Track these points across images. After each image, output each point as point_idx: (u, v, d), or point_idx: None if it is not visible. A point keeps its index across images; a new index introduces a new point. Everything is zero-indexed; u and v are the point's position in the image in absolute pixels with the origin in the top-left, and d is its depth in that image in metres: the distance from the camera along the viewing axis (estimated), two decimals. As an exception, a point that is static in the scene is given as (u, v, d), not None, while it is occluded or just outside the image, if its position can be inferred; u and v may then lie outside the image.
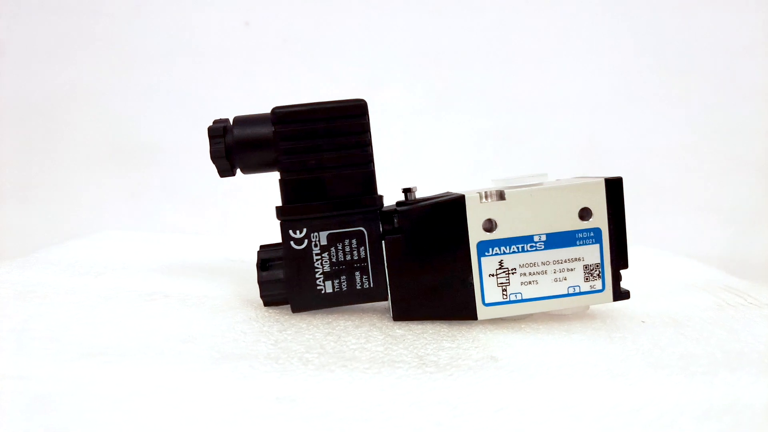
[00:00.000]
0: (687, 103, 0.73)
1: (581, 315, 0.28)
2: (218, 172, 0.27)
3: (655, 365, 0.22)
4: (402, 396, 0.18)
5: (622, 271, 0.27)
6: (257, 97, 0.73)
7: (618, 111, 0.79)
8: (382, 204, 0.27)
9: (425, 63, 0.76)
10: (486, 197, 0.26)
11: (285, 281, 0.26)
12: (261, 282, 0.26)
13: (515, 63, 0.77)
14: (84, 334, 0.22)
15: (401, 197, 0.27)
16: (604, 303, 0.27)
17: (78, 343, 0.21)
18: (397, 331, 0.25)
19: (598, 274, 0.26)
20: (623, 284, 0.27)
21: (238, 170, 0.27)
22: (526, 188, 0.26)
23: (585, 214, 0.26)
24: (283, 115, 0.25)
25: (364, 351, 0.22)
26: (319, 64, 0.76)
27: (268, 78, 0.76)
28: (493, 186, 0.27)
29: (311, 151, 0.26)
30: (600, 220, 0.26)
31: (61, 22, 0.70)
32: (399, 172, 0.77)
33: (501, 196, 0.26)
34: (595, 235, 0.26)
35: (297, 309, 0.27)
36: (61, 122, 0.70)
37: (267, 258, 0.27)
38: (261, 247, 0.28)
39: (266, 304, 0.27)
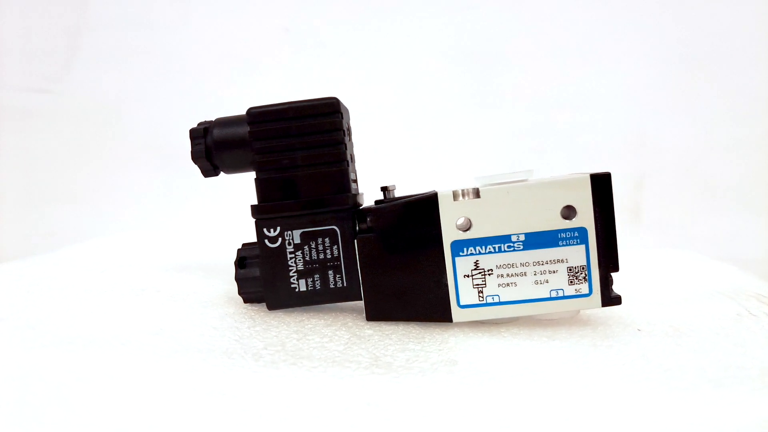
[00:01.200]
0: (743, 99, 0.67)
1: (571, 320, 0.26)
2: (201, 172, 0.28)
3: (633, 378, 0.20)
4: (329, 395, 0.18)
5: (616, 274, 0.25)
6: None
7: (670, 106, 0.74)
8: (356, 202, 0.27)
9: (460, 60, 0.75)
10: (461, 195, 0.25)
11: (261, 279, 0.26)
12: (238, 279, 0.27)
13: (554, 57, 0.74)
14: (61, 324, 0.23)
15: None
16: (592, 308, 0.25)
17: (52, 332, 0.22)
18: (367, 331, 0.25)
19: (584, 277, 0.25)
20: (625, 288, 0.25)
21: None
22: (503, 185, 0.25)
23: (568, 212, 0.24)
24: (256, 115, 0.26)
25: (322, 350, 0.22)
26: (356, 65, 0.77)
27: (307, 82, 0.78)
28: (473, 183, 0.26)
29: (284, 150, 0.26)
30: (585, 219, 0.24)
31: (114, 34, 0.76)
32: (434, 171, 0.76)
33: (476, 193, 0.25)
34: (579, 236, 0.24)
35: (272, 307, 0.27)
36: (113, 127, 0.75)
37: (245, 256, 0.27)
38: (243, 245, 0.28)
39: (246, 301, 0.28)
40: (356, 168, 0.30)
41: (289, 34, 0.79)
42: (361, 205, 0.28)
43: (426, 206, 0.25)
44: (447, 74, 0.75)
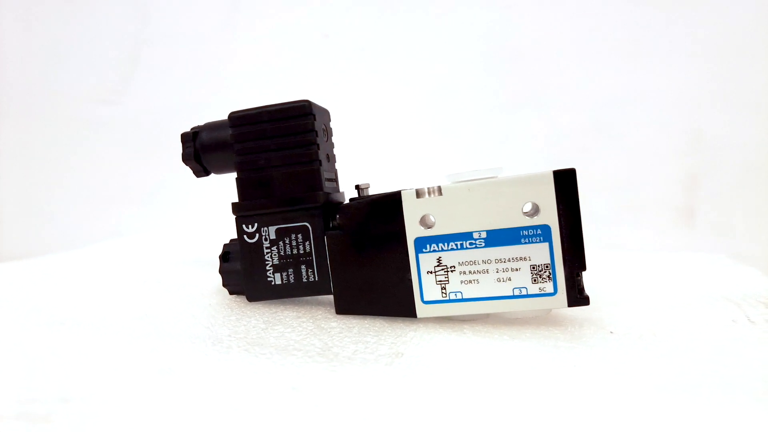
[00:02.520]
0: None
1: (543, 320, 0.26)
2: (193, 173, 0.30)
3: (579, 381, 0.19)
4: (260, 378, 0.19)
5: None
6: (339, 104, 0.78)
7: (727, 100, 0.69)
8: (329, 200, 0.28)
9: (501, 59, 0.74)
10: (423, 193, 0.25)
11: (241, 272, 0.28)
12: (221, 272, 0.29)
13: (598, 53, 0.71)
14: (61, 308, 0.26)
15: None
16: (557, 308, 0.24)
17: (51, 314, 0.25)
18: (332, 323, 0.26)
19: (549, 276, 0.24)
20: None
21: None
22: (465, 183, 0.25)
23: (531, 209, 0.24)
24: (236, 119, 0.28)
25: (280, 339, 0.24)
26: (395, 69, 0.78)
27: (347, 86, 0.80)
28: (442, 181, 0.26)
29: (261, 151, 0.27)
30: (548, 216, 0.24)
31: (170, 47, 0.82)
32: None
33: (439, 191, 0.25)
34: (543, 233, 0.24)
35: (251, 298, 0.28)
36: (168, 135, 0.81)
37: (228, 250, 0.29)
38: (231, 240, 0.30)
39: (231, 292, 0.30)
40: (336, 167, 0.31)
41: (329, 39, 0.81)
42: (341, 203, 0.29)
43: (390, 204, 0.25)
44: (488, 74, 0.75)
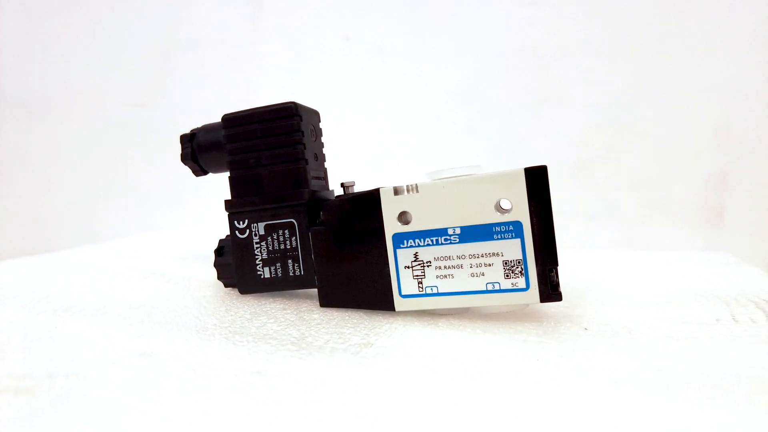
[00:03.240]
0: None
1: (519, 315, 0.26)
2: (192, 172, 0.32)
3: (537, 375, 0.20)
4: (231, 363, 0.20)
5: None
6: (359, 105, 0.80)
7: (757, 98, 0.66)
8: (315, 197, 0.29)
9: (524, 56, 0.73)
10: (401, 190, 0.26)
11: (233, 266, 0.30)
12: (215, 266, 0.31)
13: (624, 50, 0.70)
14: (69, 296, 0.28)
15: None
16: (530, 303, 0.25)
17: (58, 302, 0.27)
18: (314, 315, 0.27)
19: (521, 272, 0.24)
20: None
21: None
22: (440, 180, 0.25)
23: (504, 206, 0.24)
24: (228, 120, 0.29)
25: (261, 329, 0.25)
26: (416, 70, 0.79)
27: (367, 87, 0.81)
28: (422, 179, 0.27)
29: (250, 151, 0.29)
30: (520, 213, 0.24)
31: (198, 52, 0.86)
32: (497, 169, 0.75)
33: (416, 189, 0.26)
34: (514, 229, 0.24)
35: (243, 291, 0.30)
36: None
37: (223, 245, 0.31)
38: (226, 236, 0.32)
39: (226, 285, 0.31)
40: (325, 166, 0.32)
41: (350, 42, 0.83)
42: (328, 200, 0.30)
43: (370, 201, 0.26)
44: (511, 72, 0.74)
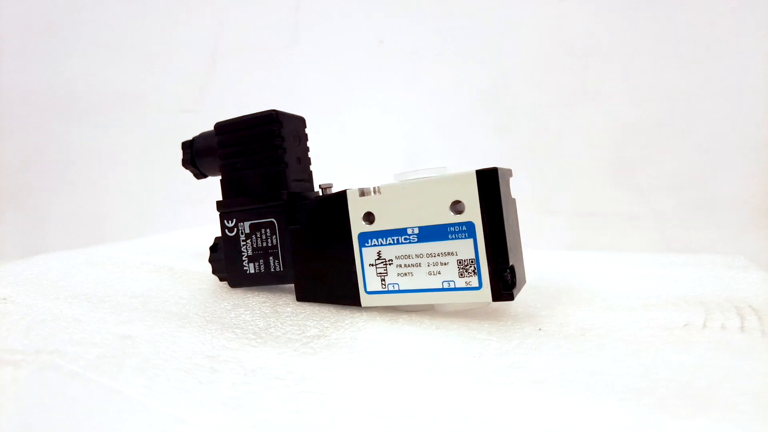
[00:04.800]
0: None
1: (479, 314, 0.27)
2: (193, 176, 0.35)
3: (474, 372, 0.20)
4: (190, 348, 0.23)
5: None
6: (392, 105, 0.81)
7: None
8: (295, 198, 0.30)
9: (558, 52, 0.72)
10: (367, 192, 0.27)
11: (224, 261, 0.32)
12: (210, 261, 0.33)
13: (666, 45, 0.67)
14: (81, 286, 0.32)
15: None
16: (483, 301, 0.25)
17: (69, 290, 0.31)
18: (287, 309, 0.29)
19: (474, 271, 0.25)
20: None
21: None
22: (400, 182, 0.26)
23: (458, 207, 0.25)
24: (219, 128, 0.32)
25: (236, 319, 0.27)
26: (448, 70, 0.80)
27: (400, 87, 0.83)
28: (387, 180, 0.28)
29: (237, 156, 0.31)
30: (472, 213, 0.25)
31: (240, 58, 0.90)
32: (531, 169, 0.74)
33: (379, 190, 0.27)
34: (467, 230, 0.25)
35: (233, 285, 0.32)
36: None
37: (217, 242, 0.34)
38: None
39: (220, 279, 0.34)
40: (310, 168, 0.33)
41: (384, 45, 0.85)
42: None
43: (338, 202, 0.28)
44: (545, 69, 0.73)
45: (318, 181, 0.33)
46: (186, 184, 0.94)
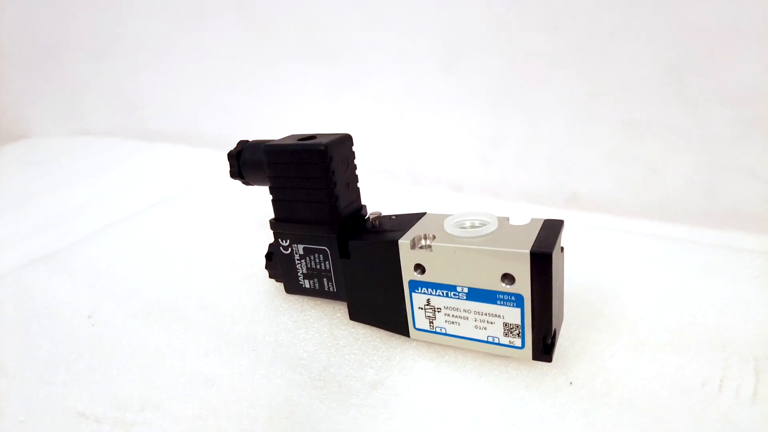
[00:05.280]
0: None
1: (523, 360, 0.30)
2: (242, 183, 0.36)
3: (501, 420, 0.24)
4: (265, 403, 0.27)
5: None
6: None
7: None
8: (343, 223, 0.31)
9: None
10: (416, 245, 0.28)
11: (281, 272, 0.35)
12: (266, 268, 0.36)
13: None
14: (146, 288, 0.35)
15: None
16: (523, 358, 0.28)
17: (141, 297, 0.35)
18: (342, 331, 0.32)
19: (518, 334, 0.27)
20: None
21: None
22: (451, 245, 0.27)
23: (507, 279, 0.26)
24: (267, 152, 0.31)
25: (299, 350, 0.31)
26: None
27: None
28: (443, 226, 0.29)
29: (287, 185, 0.31)
30: (522, 287, 0.26)
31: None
32: (578, 70, 0.68)
33: (429, 248, 0.28)
34: (516, 300, 0.26)
35: (289, 291, 0.35)
36: (268, 27, 0.81)
37: (272, 251, 0.35)
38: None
39: (277, 281, 0.37)
40: (357, 185, 0.34)
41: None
42: (361, 214, 0.33)
43: (390, 249, 0.29)
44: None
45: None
46: (214, 71, 0.89)
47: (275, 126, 0.81)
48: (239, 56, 0.82)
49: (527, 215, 0.30)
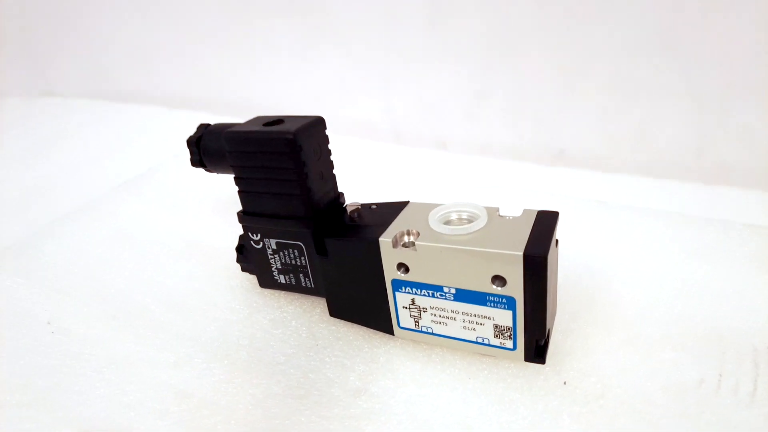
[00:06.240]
0: None
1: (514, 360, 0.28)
2: (205, 171, 0.32)
3: (492, 428, 0.23)
4: (241, 418, 0.25)
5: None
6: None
7: None
8: (318, 217, 0.29)
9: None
10: (398, 243, 0.26)
11: (254, 266, 0.32)
12: (237, 261, 0.33)
13: None
14: (110, 287, 0.33)
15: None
16: (514, 361, 0.26)
17: (105, 298, 0.32)
18: (323, 330, 0.30)
19: (509, 336, 0.25)
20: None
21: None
22: (437, 245, 0.25)
23: (498, 280, 0.24)
24: (229, 140, 0.28)
25: (278, 355, 0.29)
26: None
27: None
28: (428, 221, 0.26)
29: (253, 177, 0.28)
30: (515, 290, 0.24)
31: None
32: (565, 33, 0.64)
33: (413, 247, 0.25)
34: (507, 302, 0.25)
35: (263, 286, 0.33)
36: None
37: (243, 244, 0.33)
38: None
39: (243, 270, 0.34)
40: (336, 177, 0.31)
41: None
42: (341, 203, 0.30)
43: (371, 248, 0.27)
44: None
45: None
46: (186, 36, 0.82)
47: (254, 85, 0.77)
48: (215, 11, 0.76)
49: (519, 206, 0.28)
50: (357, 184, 0.38)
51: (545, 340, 0.25)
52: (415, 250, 0.25)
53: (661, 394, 0.25)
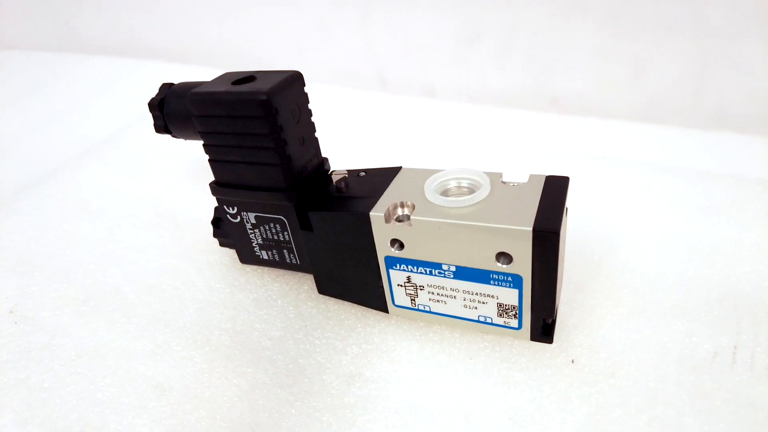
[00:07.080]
0: None
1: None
2: (171, 137, 0.29)
3: (497, 414, 0.22)
4: (225, 412, 0.23)
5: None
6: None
7: None
8: (301, 189, 0.26)
9: None
10: (391, 219, 0.23)
11: (233, 241, 0.30)
12: (214, 236, 0.30)
13: None
14: (79, 267, 0.30)
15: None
16: (520, 339, 0.24)
17: (74, 281, 0.29)
18: (311, 309, 0.28)
19: (515, 315, 0.23)
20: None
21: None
22: (435, 220, 0.22)
23: (504, 257, 0.22)
24: (195, 102, 0.24)
25: (264, 340, 0.26)
26: None
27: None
28: (417, 195, 0.24)
29: (224, 143, 0.25)
30: (522, 268, 0.22)
31: None
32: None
33: (408, 222, 0.23)
34: (513, 281, 0.22)
35: (243, 261, 0.30)
36: None
37: (219, 217, 0.30)
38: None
39: (221, 245, 0.31)
40: (318, 141, 0.27)
41: None
42: (325, 169, 0.27)
43: (361, 221, 0.24)
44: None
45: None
46: None
47: (227, 30, 0.70)
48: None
49: (516, 162, 0.25)
50: (341, 140, 0.34)
51: (553, 318, 0.23)
52: (410, 225, 0.23)
53: (674, 370, 0.24)
